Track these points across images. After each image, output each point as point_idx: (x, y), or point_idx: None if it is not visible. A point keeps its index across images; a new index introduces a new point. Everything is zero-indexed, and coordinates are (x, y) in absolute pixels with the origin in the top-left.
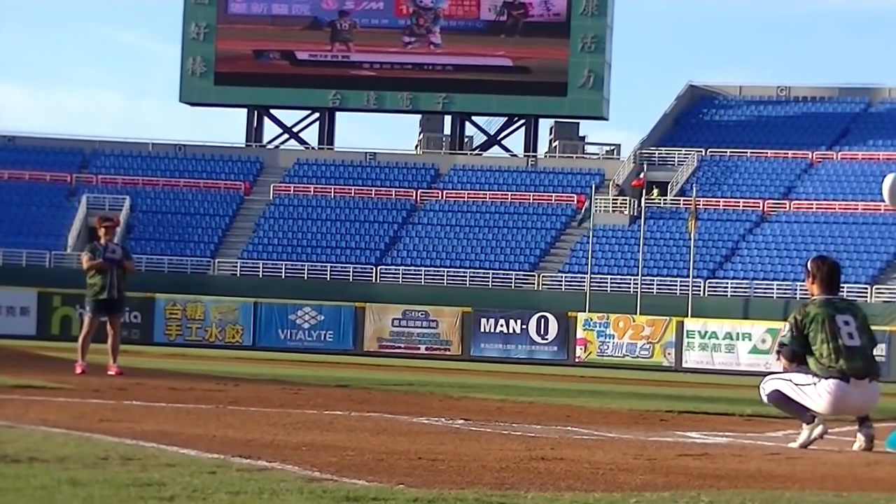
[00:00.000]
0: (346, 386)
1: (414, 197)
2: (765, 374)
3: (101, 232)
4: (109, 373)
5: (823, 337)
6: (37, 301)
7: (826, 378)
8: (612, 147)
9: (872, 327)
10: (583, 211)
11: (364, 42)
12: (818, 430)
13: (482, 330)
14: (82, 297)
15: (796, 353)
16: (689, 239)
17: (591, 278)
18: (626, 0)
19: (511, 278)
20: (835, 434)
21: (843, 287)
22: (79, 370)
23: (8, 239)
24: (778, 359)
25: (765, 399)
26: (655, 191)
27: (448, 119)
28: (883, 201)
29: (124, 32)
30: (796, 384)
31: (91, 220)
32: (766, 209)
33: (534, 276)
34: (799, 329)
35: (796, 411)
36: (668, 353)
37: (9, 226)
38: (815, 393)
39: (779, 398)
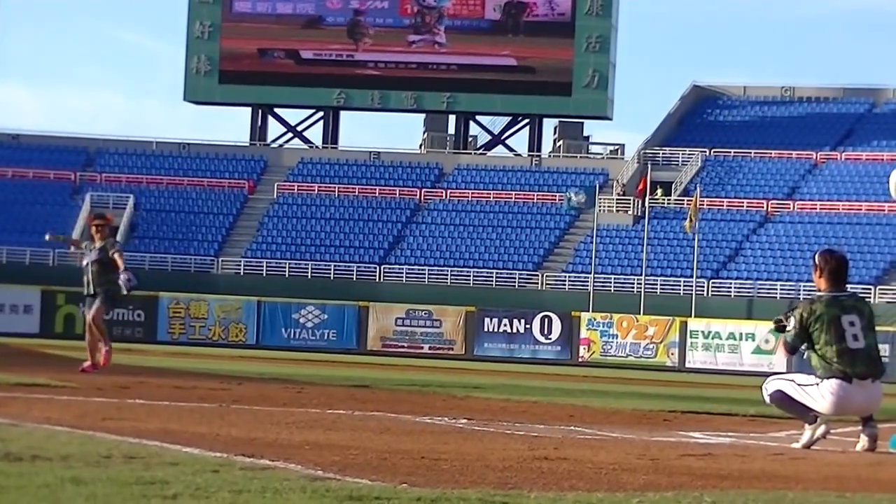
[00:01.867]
0: (349, 385)
1: (418, 196)
2: (768, 374)
3: (93, 230)
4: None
5: (828, 339)
6: (40, 299)
7: (829, 378)
8: (616, 147)
9: (876, 328)
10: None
11: (369, 41)
12: (821, 430)
13: (486, 329)
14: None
15: (797, 349)
16: (692, 238)
17: (594, 278)
18: (631, 0)
19: (515, 278)
20: (838, 434)
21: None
22: (83, 367)
23: (12, 237)
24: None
25: (767, 399)
26: (659, 191)
27: (452, 118)
28: (887, 201)
29: (128, 31)
30: (799, 384)
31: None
32: (769, 209)
33: (537, 275)
34: (803, 327)
35: (798, 412)
36: (672, 353)
37: (13, 224)
38: (818, 393)
39: (781, 398)
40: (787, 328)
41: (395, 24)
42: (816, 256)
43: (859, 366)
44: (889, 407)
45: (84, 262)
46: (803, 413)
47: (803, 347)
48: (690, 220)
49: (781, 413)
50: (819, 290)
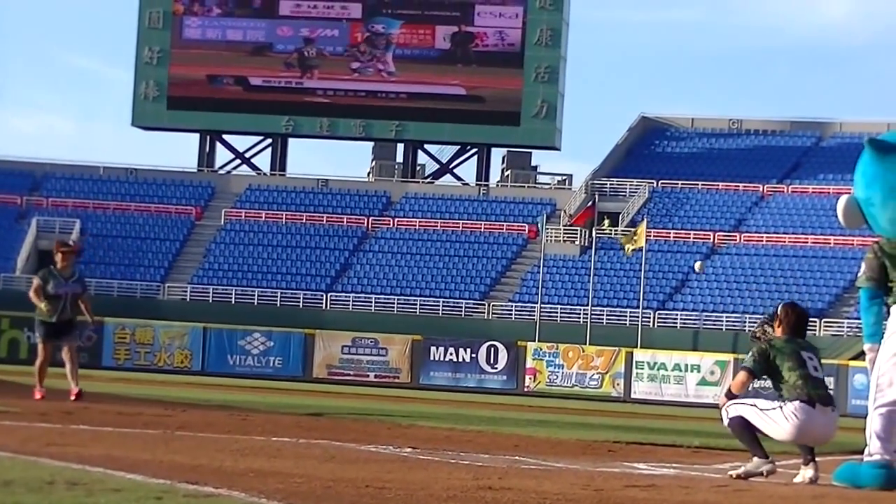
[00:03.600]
0: (294, 413)
1: (365, 224)
2: (714, 406)
3: (59, 258)
4: (72, 398)
5: (791, 365)
6: None
7: (792, 401)
8: (564, 177)
9: (821, 361)
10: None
11: (318, 68)
12: (766, 467)
13: (432, 358)
14: (31, 319)
15: (756, 373)
16: (639, 269)
17: (541, 308)
18: (580, 31)
19: (461, 307)
20: (782, 466)
21: None
22: (38, 396)
23: None
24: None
25: (726, 422)
26: (606, 221)
27: (400, 147)
28: (833, 234)
29: (76, 56)
30: (761, 409)
31: (41, 244)
32: (716, 241)
33: (484, 304)
34: (764, 356)
35: (750, 444)
36: (617, 384)
37: None
38: (781, 416)
39: (740, 424)
40: (745, 361)
41: (344, 52)
42: (779, 308)
43: (822, 390)
44: (835, 439)
45: (59, 290)
46: (754, 446)
47: (767, 384)
48: (631, 243)
49: (727, 444)
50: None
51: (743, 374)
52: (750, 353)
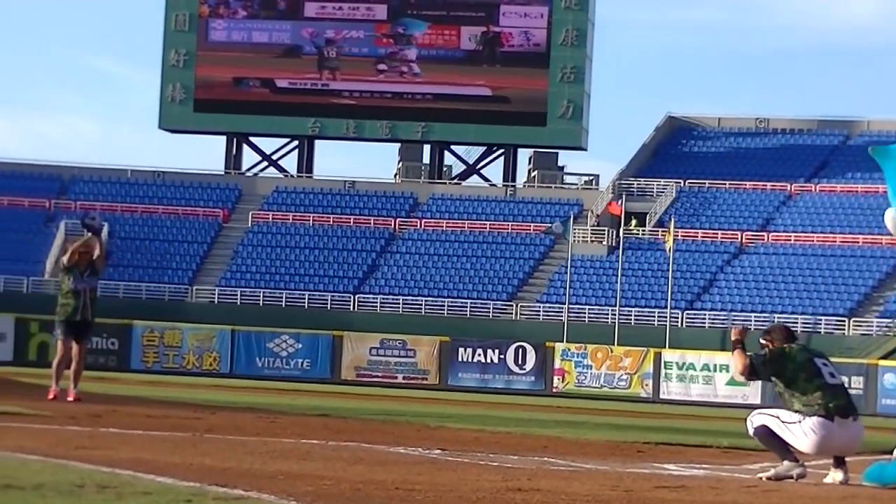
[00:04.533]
0: (323, 415)
1: (392, 225)
2: (742, 406)
3: (76, 257)
4: (69, 399)
5: (805, 376)
6: (14, 327)
7: (811, 416)
8: (591, 177)
9: (850, 360)
10: (553, 228)
11: (344, 70)
12: (797, 470)
13: (460, 359)
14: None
15: (756, 374)
16: (667, 269)
17: (568, 308)
18: (606, 31)
19: (489, 308)
20: (812, 467)
21: (820, 320)
22: (51, 395)
23: None
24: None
25: (751, 432)
26: (634, 221)
27: (427, 148)
28: (861, 233)
29: (103, 59)
30: (783, 421)
31: (68, 246)
32: (744, 241)
33: (512, 305)
34: (777, 360)
35: (779, 450)
36: (646, 385)
37: None
38: (801, 431)
39: (765, 433)
40: (757, 353)
41: (370, 53)
42: (760, 340)
43: (840, 399)
44: (864, 439)
45: (79, 286)
46: (783, 452)
47: (776, 389)
48: (668, 237)
49: (756, 445)
50: None
51: (745, 361)
52: (763, 351)
